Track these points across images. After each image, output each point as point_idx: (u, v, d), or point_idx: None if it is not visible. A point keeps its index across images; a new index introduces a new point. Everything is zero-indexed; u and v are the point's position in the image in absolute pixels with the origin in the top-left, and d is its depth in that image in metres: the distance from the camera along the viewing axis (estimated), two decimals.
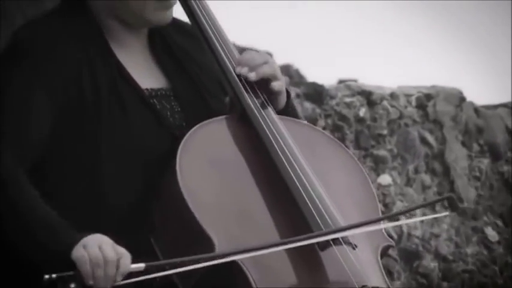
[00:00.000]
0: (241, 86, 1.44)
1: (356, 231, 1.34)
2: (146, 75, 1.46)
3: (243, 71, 1.43)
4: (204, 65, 1.56)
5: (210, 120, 1.41)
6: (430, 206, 3.26)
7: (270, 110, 1.45)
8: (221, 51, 1.50)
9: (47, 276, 1.04)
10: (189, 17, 1.56)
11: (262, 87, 1.45)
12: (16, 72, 1.29)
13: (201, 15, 1.52)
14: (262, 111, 1.43)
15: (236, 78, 1.47)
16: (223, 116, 1.46)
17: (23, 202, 1.20)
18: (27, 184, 1.22)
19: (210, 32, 1.52)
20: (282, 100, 1.52)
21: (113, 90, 1.34)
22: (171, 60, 1.53)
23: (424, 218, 3.03)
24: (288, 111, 1.55)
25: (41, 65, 1.29)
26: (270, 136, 1.41)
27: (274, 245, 1.21)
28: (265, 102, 1.45)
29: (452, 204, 3.07)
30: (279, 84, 1.47)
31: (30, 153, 1.26)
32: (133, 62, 1.44)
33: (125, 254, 1.13)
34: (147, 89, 1.43)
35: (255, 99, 1.44)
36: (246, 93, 1.44)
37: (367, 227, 1.38)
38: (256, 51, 1.57)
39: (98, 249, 1.09)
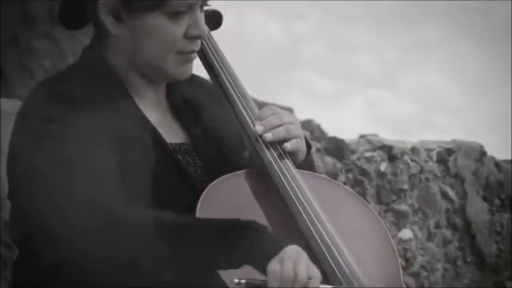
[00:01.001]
0: (261, 143, 1.48)
1: None
2: (168, 130, 1.50)
3: (259, 130, 1.47)
4: (222, 119, 1.61)
5: (230, 174, 1.45)
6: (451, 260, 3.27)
7: (289, 163, 1.49)
8: (241, 107, 1.56)
9: (236, 280, 1.04)
10: (208, 72, 1.63)
11: (281, 142, 1.49)
12: (69, 125, 1.27)
13: (220, 71, 1.60)
14: (282, 166, 1.47)
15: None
16: (243, 170, 1.49)
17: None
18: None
19: (230, 88, 1.58)
20: (301, 155, 1.55)
21: (139, 145, 1.35)
22: (190, 115, 1.58)
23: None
24: (307, 164, 1.58)
25: (86, 118, 1.29)
26: (290, 191, 1.44)
27: None
28: (284, 155, 1.48)
29: None
30: (292, 145, 1.49)
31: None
32: (155, 117, 1.48)
33: (316, 275, 1.11)
34: (171, 144, 1.47)
35: (274, 154, 1.48)
36: (265, 149, 1.48)
37: None
38: (276, 107, 1.61)
39: (292, 266, 1.07)
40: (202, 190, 1.34)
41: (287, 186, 1.41)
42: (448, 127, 4.58)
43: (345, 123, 4.41)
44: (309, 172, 1.54)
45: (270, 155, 1.45)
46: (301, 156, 1.54)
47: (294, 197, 1.39)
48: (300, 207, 1.38)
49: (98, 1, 1.37)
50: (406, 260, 3.27)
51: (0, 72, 6.12)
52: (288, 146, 1.45)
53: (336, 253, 1.31)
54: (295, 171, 1.45)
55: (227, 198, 1.40)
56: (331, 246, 1.33)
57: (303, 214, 1.37)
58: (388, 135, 4.40)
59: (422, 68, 5.37)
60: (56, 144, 1.23)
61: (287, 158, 1.47)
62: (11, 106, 2.25)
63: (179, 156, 1.46)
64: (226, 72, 1.56)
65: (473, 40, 6.48)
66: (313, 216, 1.37)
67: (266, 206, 1.42)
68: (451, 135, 4.77)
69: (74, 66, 1.50)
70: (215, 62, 1.57)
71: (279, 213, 1.41)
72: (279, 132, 1.44)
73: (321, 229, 1.35)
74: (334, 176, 3.10)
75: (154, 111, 1.48)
